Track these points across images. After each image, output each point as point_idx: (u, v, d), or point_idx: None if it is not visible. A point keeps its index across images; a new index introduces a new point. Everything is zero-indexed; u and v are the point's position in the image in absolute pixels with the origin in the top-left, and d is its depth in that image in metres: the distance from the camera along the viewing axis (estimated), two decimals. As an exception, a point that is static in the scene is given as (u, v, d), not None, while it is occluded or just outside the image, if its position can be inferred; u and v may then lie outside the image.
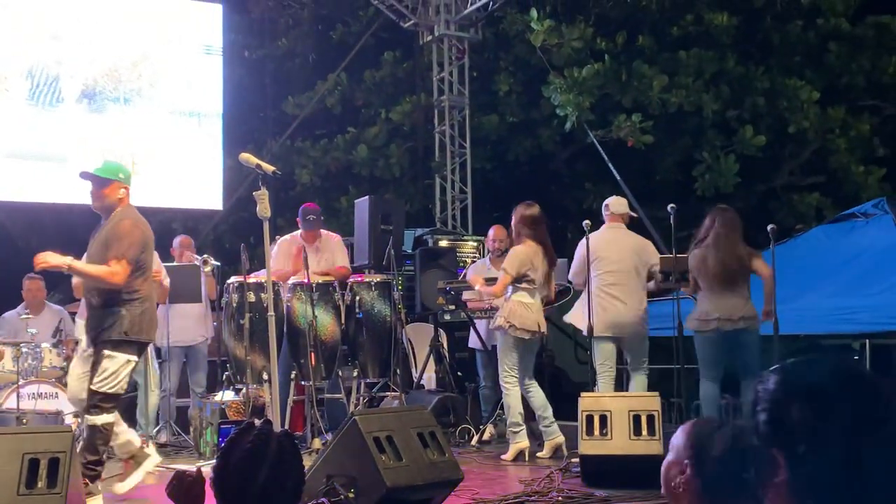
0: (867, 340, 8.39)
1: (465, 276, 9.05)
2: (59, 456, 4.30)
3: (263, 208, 5.28)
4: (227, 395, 7.62)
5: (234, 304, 7.34)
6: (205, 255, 8.31)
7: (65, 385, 7.44)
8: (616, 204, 7.46)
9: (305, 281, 7.35)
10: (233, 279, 7.58)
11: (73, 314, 8.20)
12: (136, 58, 10.92)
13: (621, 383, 7.33)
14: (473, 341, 8.55)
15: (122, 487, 5.62)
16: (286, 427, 6.76)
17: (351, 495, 4.47)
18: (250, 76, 15.08)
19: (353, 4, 14.74)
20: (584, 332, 7.15)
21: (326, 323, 7.47)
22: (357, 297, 7.68)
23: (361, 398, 7.87)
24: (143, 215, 5.83)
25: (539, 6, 12.77)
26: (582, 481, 5.79)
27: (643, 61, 12.84)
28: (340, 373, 7.74)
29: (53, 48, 10.44)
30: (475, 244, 10.60)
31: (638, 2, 13.79)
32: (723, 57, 13.35)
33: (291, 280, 7.53)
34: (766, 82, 13.45)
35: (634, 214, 7.65)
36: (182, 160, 10.94)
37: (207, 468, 3.88)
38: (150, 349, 7.39)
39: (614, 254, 7.17)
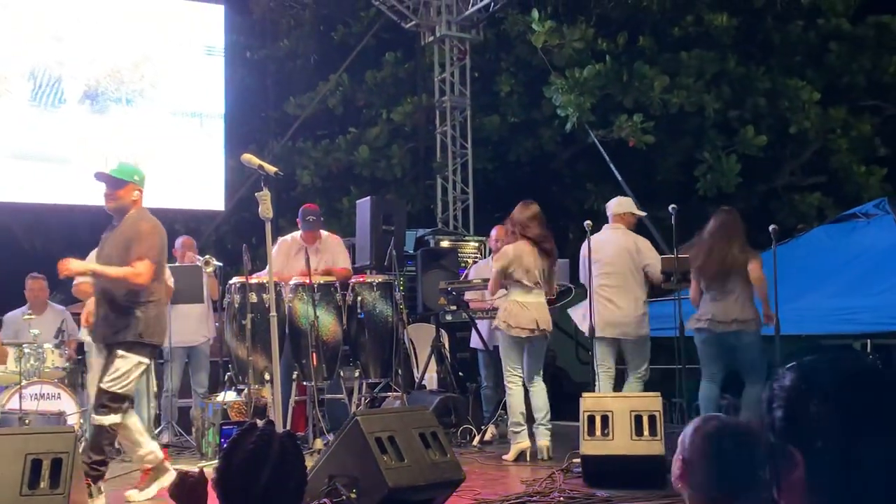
0: (868, 341, 8.39)
1: (466, 276, 9.07)
2: (61, 457, 4.31)
3: (265, 209, 5.29)
4: (228, 396, 7.64)
5: (236, 305, 7.35)
6: (207, 256, 8.31)
7: (67, 385, 7.48)
8: (616, 205, 7.47)
9: (307, 281, 7.36)
10: (235, 280, 7.59)
11: (75, 314, 8.21)
12: (138, 59, 10.93)
13: (622, 384, 7.34)
14: (475, 341, 8.56)
15: (136, 496, 5.62)
16: (288, 427, 6.77)
17: (353, 496, 4.47)
18: (252, 77, 15.09)
19: (354, 5, 14.74)
20: (585, 333, 7.20)
21: (328, 323, 7.48)
22: (359, 298, 7.69)
23: (363, 398, 7.88)
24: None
25: (540, 7, 12.77)
26: (583, 482, 5.79)
27: (644, 62, 12.84)
28: (342, 373, 7.75)
29: (55, 49, 10.46)
30: (477, 244, 10.61)
31: (639, 2, 13.78)
32: (724, 57, 13.36)
33: (293, 280, 7.54)
34: (766, 82, 13.46)
35: (640, 214, 7.60)
36: (184, 161, 10.94)
37: (210, 469, 3.90)
38: None
39: (608, 256, 7.20)
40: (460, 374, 8.76)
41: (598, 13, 13.89)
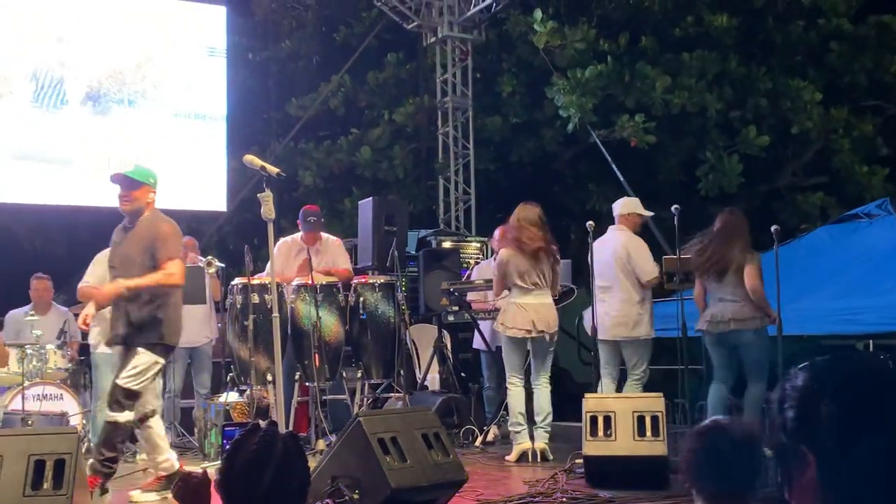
0: (871, 341, 8.38)
1: (468, 276, 9.07)
2: (64, 457, 4.32)
3: (268, 210, 5.30)
4: (231, 397, 7.64)
5: (238, 306, 7.36)
6: (209, 257, 8.31)
7: (69, 386, 7.48)
8: (622, 206, 7.48)
9: (309, 282, 7.36)
10: (237, 280, 7.60)
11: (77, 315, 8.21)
12: (141, 60, 10.95)
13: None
14: (478, 342, 8.57)
15: (139, 496, 5.63)
16: (290, 428, 6.78)
17: (355, 496, 4.47)
18: (254, 78, 15.11)
19: (356, 6, 14.75)
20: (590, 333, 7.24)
21: (330, 324, 7.49)
22: (361, 299, 7.70)
23: (365, 399, 7.88)
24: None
25: (542, 8, 12.77)
26: (586, 482, 5.79)
27: (646, 62, 12.84)
28: (344, 374, 7.76)
29: (58, 50, 10.47)
30: (479, 245, 10.61)
31: (640, 3, 13.79)
32: (725, 58, 13.36)
33: (295, 281, 7.55)
34: (768, 83, 13.45)
35: (646, 214, 7.57)
36: (186, 162, 10.95)
37: (212, 469, 3.90)
38: None
39: (602, 258, 7.27)
40: (462, 374, 8.76)
41: (600, 14, 13.90)
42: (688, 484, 2.49)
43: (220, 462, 4.78)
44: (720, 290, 6.73)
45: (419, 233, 10.72)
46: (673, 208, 7.09)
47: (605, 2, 14.04)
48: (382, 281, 7.91)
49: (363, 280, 7.91)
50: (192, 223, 12.79)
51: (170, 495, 5.63)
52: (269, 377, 7.03)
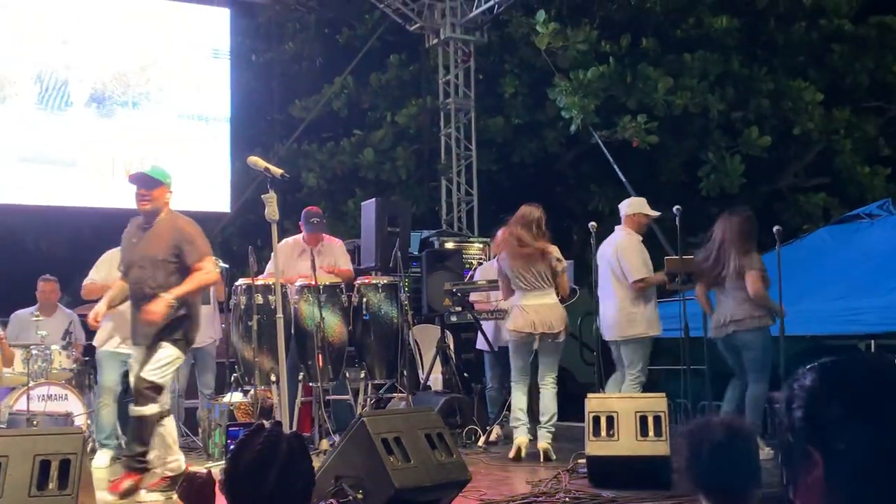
0: (872, 341, 8.39)
1: (471, 277, 9.09)
2: (69, 457, 4.33)
3: (272, 211, 5.32)
4: (235, 397, 7.65)
5: (242, 306, 7.38)
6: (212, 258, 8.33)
7: (74, 387, 7.51)
8: (627, 206, 7.48)
9: (312, 283, 7.38)
10: (241, 281, 7.61)
11: (84, 316, 8.24)
12: (145, 62, 10.99)
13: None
14: (481, 343, 8.58)
15: (143, 496, 5.64)
16: (293, 428, 6.80)
17: (359, 496, 4.49)
18: (257, 80, 15.13)
19: (359, 8, 14.77)
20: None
21: (334, 325, 7.50)
22: (364, 299, 7.72)
23: (368, 399, 7.90)
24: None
25: (544, 9, 12.79)
26: (589, 482, 5.80)
27: (648, 63, 12.86)
28: (347, 374, 7.77)
29: (62, 53, 10.51)
30: (481, 246, 10.62)
31: (642, 4, 13.81)
32: (727, 59, 13.37)
33: (299, 282, 7.57)
34: (770, 83, 13.47)
35: (652, 214, 7.51)
36: (190, 163, 10.97)
37: (217, 470, 3.92)
38: None
39: (601, 258, 7.31)
40: (465, 374, 8.77)
41: (602, 15, 13.92)
42: (684, 483, 2.51)
43: (224, 462, 4.81)
44: (721, 293, 6.83)
45: (422, 233, 10.73)
46: (675, 209, 7.11)
47: (607, 3, 14.07)
48: (385, 281, 7.93)
49: (366, 281, 7.93)
50: (196, 224, 12.82)
51: (174, 495, 5.68)
52: (273, 377, 7.06)
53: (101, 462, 6.98)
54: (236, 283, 7.65)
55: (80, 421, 7.19)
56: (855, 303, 8.51)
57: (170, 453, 5.74)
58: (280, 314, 5.51)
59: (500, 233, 8.20)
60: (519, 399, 7.08)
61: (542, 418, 7.00)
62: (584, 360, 10.56)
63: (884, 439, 1.35)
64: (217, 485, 2.95)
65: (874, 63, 14.02)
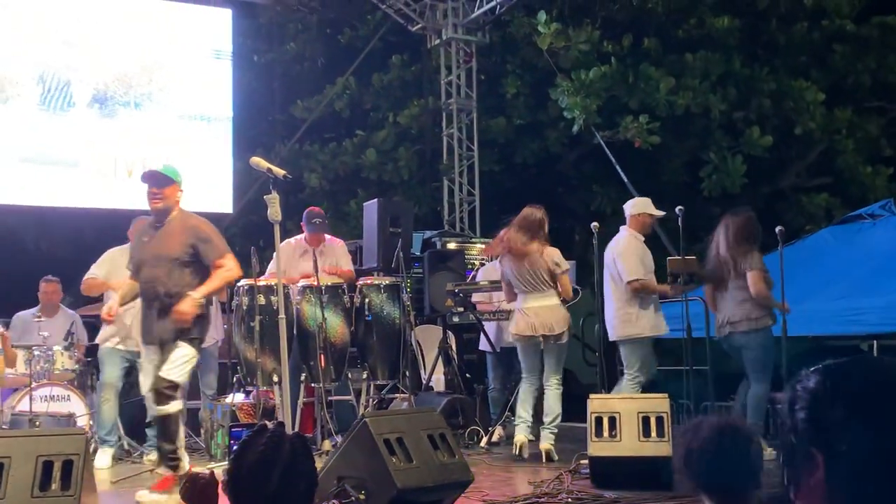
0: (875, 341, 8.39)
1: (473, 278, 9.08)
2: (72, 458, 4.34)
3: (274, 212, 5.32)
4: (237, 398, 7.66)
5: (245, 307, 7.38)
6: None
7: (76, 387, 7.51)
8: (631, 206, 7.44)
9: (315, 283, 7.38)
10: (243, 282, 7.60)
11: (86, 317, 8.23)
12: (147, 63, 11.00)
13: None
14: (483, 344, 8.59)
15: (146, 497, 5.64)
16: (296, 429, 6.79)
17: (362, 497, 4.49)
18: (259, 80, 15.14)
19: (361, 8, 14.78)
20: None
21: (336, 325, 7.50)
22: (366, 300, 7.72)
23: (371, 400, 7.90)
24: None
25: (546, 10, 12.79)
26: (591, 483, 5.80)
27: (650, 63, 12.86)
28: (350, 375, 7.77)
29: (65, 53, 10.52)
30: (483, 246, 10.61)
31: (644, 5, 13.81)
32: (729, 59, 13.38)
33: (301, 282, 7.57)
34: (772, 83, 13.47)
35: (657, 214, 7.43)
36: (192, 164, 10.92)
37: (219, 470, 3.92)
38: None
39: (605, 259, 7.29)
40: (467, 375, 8.77)
41: (604, 16, 13.93)
42: (682, 482, 2.52)
43: (226, 463, 4.81)
44: (722, 294, 6.85)
45: (424, 234, 10.74)
46: (677, 209, 7.11)
47: (608, 3, 14.07)
48: (388, 282, 7.93)
49: (368, 281, 7.93)
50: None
51: (177, 496, 5.68)
52: (276, 378, 7.06)
53: (103, 463, 6.98)
54: (238, 284, 7.64)
55: (83, 422, 7.19)
56: (857, 303, 8.52)
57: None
58: (282, 315, 5.51)
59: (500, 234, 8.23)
60: (523, 397, 7.10)
61: (546, 419, 7.01)
62: (586, 361, 10.56)
63: (886, 441, 1.35)
64: (220, 485, 2.94)
65: (876, 63, 14.03)
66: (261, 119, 15.19)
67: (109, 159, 10.55)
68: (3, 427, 6.88)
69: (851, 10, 14.13)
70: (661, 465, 5.61)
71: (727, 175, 13.05)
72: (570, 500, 5.38)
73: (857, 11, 14.18)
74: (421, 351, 8.69)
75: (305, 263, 7.70)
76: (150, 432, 7.42)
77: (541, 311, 6.95)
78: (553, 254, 6.99)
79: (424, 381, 8.58)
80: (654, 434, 5.78)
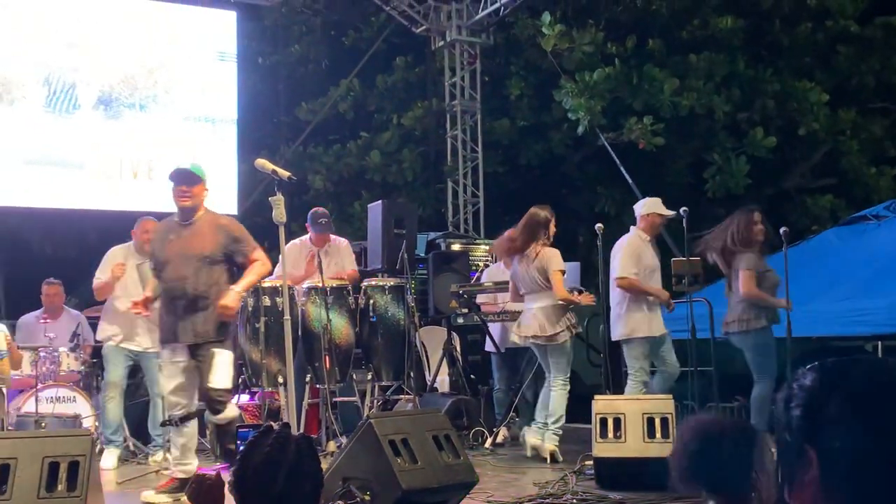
0: (879, 342, 8.39)
1: (478, 279, 9.09)
2: (78, 459, 4.34)
3: (279, 213, 5.33)
4: (242, 399, 7.67)
5: (250, 308, 7.39)
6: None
7: (82, 389, 7.53)
8: (641, 206, 7.38)
9: (320, 284, 7.40)
10: (248, 283, 7.61)
11: (92, 318, 8.24)
12: (152, 65, 11.02)
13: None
14: (488, 345, 8.59)
15: (151, 497, 5.66)
16: (301, 430, 6.81)
17: (367, 498, 4.50)
18: (264, 82, 15.15)
19: (365, 10, 14.80)
20: None
21: (340, 326, 7.52)
22: (371, 301, 7.73)
23: (375, 401, 7.91)
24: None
25: (550, 11, 12.80)
26: (596, 484, 5.82)
27: (654, 65, 12.87)
28: (354, 376, 7.79)
29: (70, 56, 10.54)
30: (487, 248, 10.62)
31: (647, 6, 13.82)
32: (733, 60, 13.38)
33: (306, 284, 7.58)
34: (775, 84, 13.47)
35: (667, 214, 7.31)
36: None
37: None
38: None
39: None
40: (472, 376, 8.78)
41: (607, 17, 13.93)
42: (680, 482, 2.52)
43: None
44: (728, 294, 6.90)
45: (428, 235, 10.75)
46: (682, 210, 7.09)
47: (612, 5, 14.08)
48: (392, 283, 7.94)
49: (373, 282, 7.94)
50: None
51: (183, 497, 5.68)
52: (281, 379, 7.07)
53: (108, 464, 6.98)
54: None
55: (88, 423, 7.21)
56: (862, 304, 8.52)
57: (189, 458, 5.78)
58: (287, 316, 5.52)
59: (508, 234, 8.24)
60: (541, 398, 7.19)
61: (550, 420, 7.01)
62: (590, 362, 10.56)
63: (880, 440, 1.35)
64: (226, 486, 2.95)
65: (880, 64, 14.03)
66: (265, 121, 15.21)
67: (115, 161, 10.57)
68: (10, 428, 6.90)
69: (855, 10, 14.13)
70: (665, 466, 5.62)
71: (731, 176, 13.05)
72: (574, 501, 5.39)
73: (860, 12, 14.18)
74: (425, 352, 8.69)
75: (311, 265, 7.71)
76: (154, 433, 7.46)
77: (538, 313, 6.97)
78: (547, 254, 6.93)
79: (429, 383, 8.58)
80: (658, 435, 5.79)
